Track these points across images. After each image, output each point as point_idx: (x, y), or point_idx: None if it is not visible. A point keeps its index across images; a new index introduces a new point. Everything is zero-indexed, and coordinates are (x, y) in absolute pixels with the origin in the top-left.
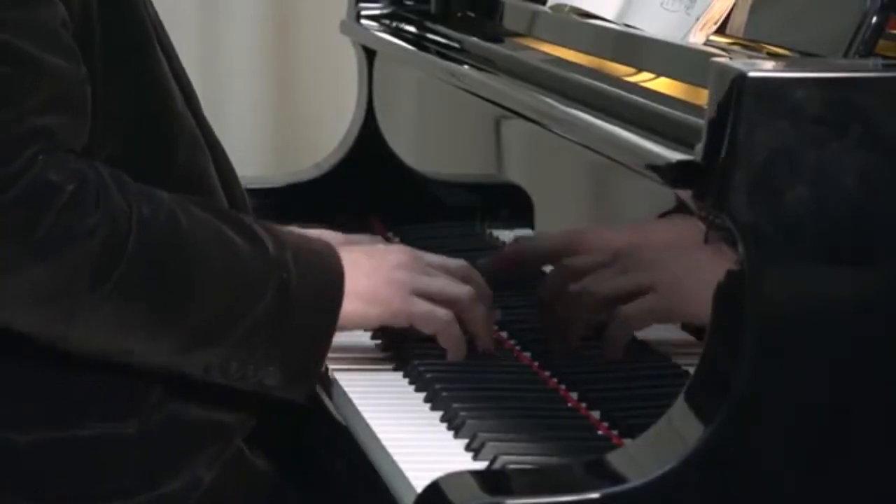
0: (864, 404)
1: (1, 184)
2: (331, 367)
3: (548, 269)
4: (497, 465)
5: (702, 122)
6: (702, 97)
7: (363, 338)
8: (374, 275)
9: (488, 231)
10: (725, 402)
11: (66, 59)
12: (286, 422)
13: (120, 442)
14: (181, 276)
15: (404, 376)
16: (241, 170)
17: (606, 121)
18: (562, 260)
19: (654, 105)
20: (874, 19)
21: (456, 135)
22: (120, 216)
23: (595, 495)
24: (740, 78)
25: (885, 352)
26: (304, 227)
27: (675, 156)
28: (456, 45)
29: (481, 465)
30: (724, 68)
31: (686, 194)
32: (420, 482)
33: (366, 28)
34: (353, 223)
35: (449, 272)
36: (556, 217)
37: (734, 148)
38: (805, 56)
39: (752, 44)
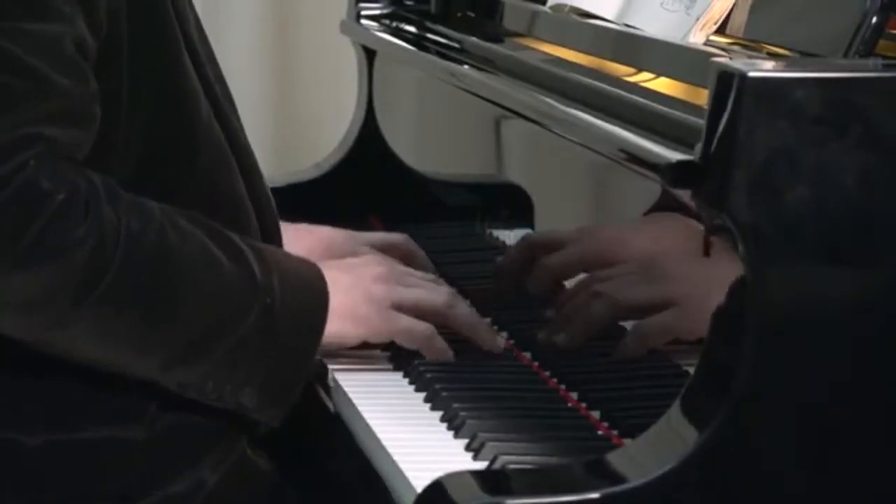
0: (864, 404)
1: None
2: (331, 367)
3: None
4: (497, 465)
5: (702, 122)
6: (702, 97)
7: None
8: (353, 291)
9: (488, 231)
10: (725, 402)
11: (72, 77)
12: (287, 422)
13: (125, 445)
14: (165, 293)
15: (404, 376)
16: None
17: (606, 121)
18: (581, 263)
19: (654, 105)
20: (874, 19)
21: (456, 135)
22: (108, 228)
23: (595, 495)
24: (740, 78)
25: (885, 352)
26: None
27: (675, 156)
28: (456, 45)
29: (481, 465)
30: (724, 68)
31: (686, 194)
32: (420, 482)
33: (366, 28)
34: (353, 223)
35: (422, 282)
36: (556, 217)
37: (734, 148)
38: (805, 56)
39: (752, 44)
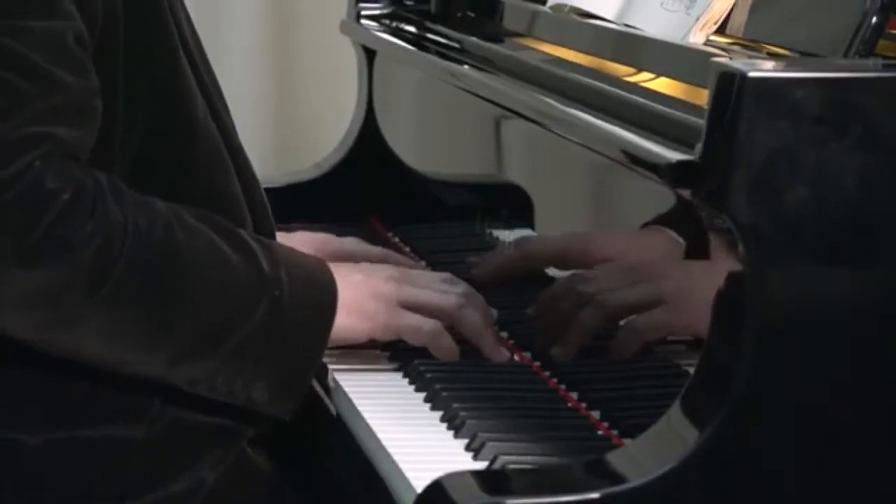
0: (864, 404)
1: None
2: (331, 367)
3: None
4: (497, 465)
5: (702, 122)
6: (702, 97)
7: None
8: (362, 287)
9: (488, 231)
10: (725, 402)
11: (75, 72)
12: (287, 422)
13: (126, 444)
14: (173, 290)
15: (404, 376)
16: None
17: (606, 121)
18: (571, 264)
19: (654, 105)
20: (874, 19)
21: (456, 135)
22: (115, 226)
23: (595, 495)
24: (740, 78)
25: (885, 352)
26: (305, 228)
27: (675, 156)
28: (456, 45)
29: (481, 465)
30: (724, 68)
31: (686, 194)
32: (420, 482)
33: (366, 28)
34: (353, 223)
35: (435, 284)
36: (556, 217)
37: (734, 148)
38: (805, 56)
39: (752, 44)
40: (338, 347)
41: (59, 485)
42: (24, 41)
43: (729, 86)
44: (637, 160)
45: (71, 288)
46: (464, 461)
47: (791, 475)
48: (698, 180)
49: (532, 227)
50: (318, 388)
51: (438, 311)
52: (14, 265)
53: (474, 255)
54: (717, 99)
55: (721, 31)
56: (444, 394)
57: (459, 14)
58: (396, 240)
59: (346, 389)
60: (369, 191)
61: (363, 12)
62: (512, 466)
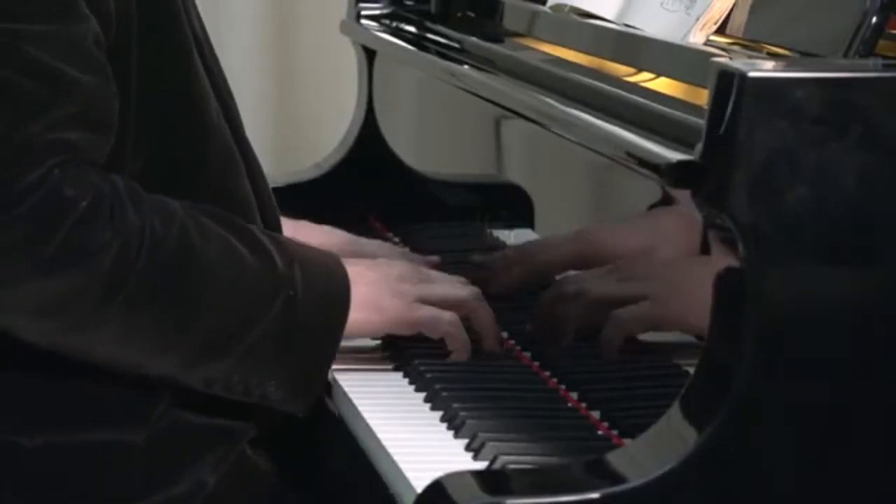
0: (864, 404)
1: (16, 196)
2: (331, 367)
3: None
4: (497, 465)
5: (702, 122)
6: (702, 97)
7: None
8: (378, 285)
9: (488, 231)
10: (725, 402)
11: (95, 75)
12: (287, 422)
13: (127, 448)
14: (190, 294)
15: (404, 376)
16: None
17: (606, 121)
18: (565, 264)
19: (654, 105)
20: (874, 19)
21: (456, 135)
22: (132, 232)
23: (595, 495)
24: (740, 78)
25: (885, 352)
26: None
27: (675, 156)
28: (456, 45)
29: (481, 465)
30: (724, 68)
31: (686, 194)
32: (420, 482)
33: (366, 28)
34: (353, 223)
35: (450, 280)
36: (556, 217)
37: (734, 148)
38: (805, 56)
39: (752, 44)
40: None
41: (58, 488)
42: (42, 46)
43: (729, 86)
44: (637, 160)
45: (88, 294)
46: (464, 461)
47: (791, 475)
48: (698, 180)
49: (532, 227)
50: None
51: (456, 302)
52: (33, 273)
53: (474, 255)
54: (717, 99)
55: (721, 31)
56: (444, 394)
57: (459, 14)
58: (396, 240)
59: (346, 389)
60: (369, 191)
61: (363, 12)
62: (512, 466)
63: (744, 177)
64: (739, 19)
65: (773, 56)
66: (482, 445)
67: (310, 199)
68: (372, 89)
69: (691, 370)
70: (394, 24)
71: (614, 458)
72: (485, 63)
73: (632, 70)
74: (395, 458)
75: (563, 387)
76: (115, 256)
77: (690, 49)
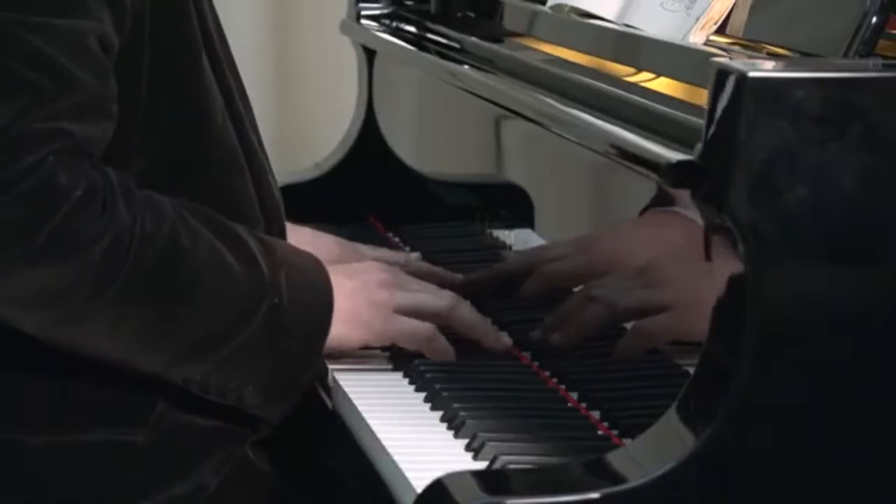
0: (864, 404)
1: (9, 181)
2: (331, 367)
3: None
4: (497, 465)
5: (702, 122)
6: (702, 97)
7: None
8: (356, 297)
9: (488, 231)
10: (725, 402)
11: (94, 74)
12: (287, 423)
13: (128, 448)
14: (175, 294)
15: (404, 376)
16: None
17: (606, 121)
18: (584, 268)
19: (654, 105)
20: (874, 19)
21: (456, 135)
22: (123, 227)
23: (595, 495)
24: (740, 78)
25: (885, 352)
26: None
27: (675, 156)
28: (456, 45)
29: (481, 465)
30: (724, 68)
31: (686, 194)
32: (420, 482)
33: (366, 28)
34: (353, 223)
35: (426, 286)
36: (555, 217)
37: (734, 148)
38: (805, 56)
39: (752, 44)
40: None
41: (60, 487)
42: (47, 38)
43: (729, 86)
44: (637, 160)
45: (77, 286)
46: (464, 461)
47: (791, 475)
48: (698, 180)
49: (532, 227)
50: (318, 388)
51: (432, 311)
52: (23, 262)
53: (474, 255)
54: (717, 99)
55: (721, 31)
56: (444, 394)
57: (459, 14)
58: (396, 240)
59: (346, 389)
60: (369, 191)
61: (363, 12)
62: (512, 466)
63: (744, 177)
64: (739, 19)
65: (773, 56)
66: (482, 445)
67: (310, 199)
68: (372, 89)
69: (691, 370)
70: (394, 24)
71: (614, 458)
72: (485, 63)
73: (632, 70)
74: (395, 458)
75: (563, 387)
76: (105, 250)
77: (690, 49)
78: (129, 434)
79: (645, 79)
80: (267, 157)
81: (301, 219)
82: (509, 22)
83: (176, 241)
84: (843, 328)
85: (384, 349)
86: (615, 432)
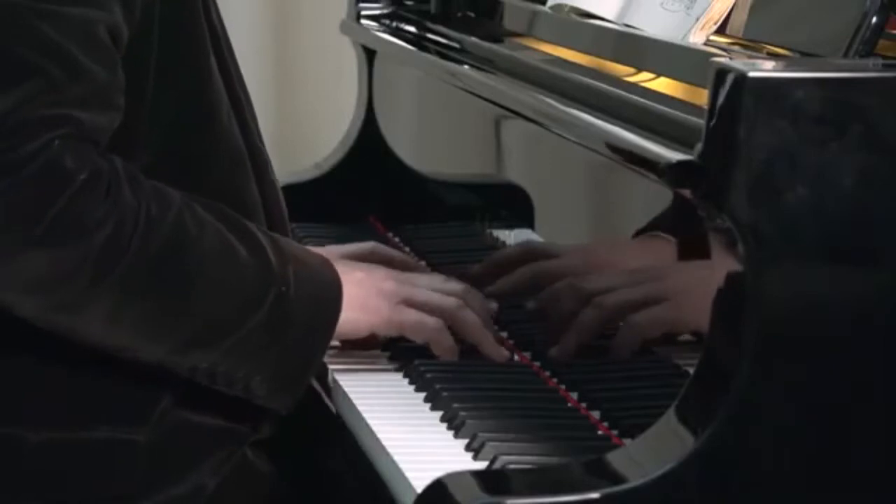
0: (864, 404)
1: (15, 164)
2: (331, 367)
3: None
4: (497, 465)
5: (702, 122)
6: (702, 97)
7: None
8: (365, 284)
9: (488, 231)
10: (725, 402)
11: (103, 64)
12: (287, 423)
13: (129, 447)
14: (181, 282)
15: (404, 376)
16: None
17: (606, 121)
18: (573, 269)
19: (654, 105)
20: (874, 19)
21: (456, 135)
22: (128, 212)
23: (595, 495)
24: (740, 78)
25: (885, 352)
26: (305, 228)
27: (675, 156)
28: (456, 45)
29: (481, 465)
30: (724, 68)
31: (686, 194)
32: (420, 482)
33: (366, 28)
34: (353, 223)
35: (434, 285)
36: (555, 217)
37: (734, 148)
38: (805, 56)
39: (752, 44)
40: (337, 347)
41: (60, 484)
42: (57, 26)
43: (729, 86)
44: (637, 160)
45: (81, 270)
46: (464, 461)
47: (791, 475)
48: (698, 180)
49: (532, 227)
50: (318, 387)
51: (438, 308)
52: (25, 245)
53: (474, 255)
54: (717, 99)
55: (721, 31)
56: (444, 394)
57: (459, 14)
58: (396, 240)
59: (346, 389)
60: (369, 191)
61: (363, 12)
62: (512, 466)
63: (744, 177)
64: (739, 19)
65: (773, 56)
66: (482, 445)
67: (310, 199)
68: (372, 89)
69: (691, 370)
70: (394, 24)
71: (614, 458)
72: (485, 63)
73: (632, 70)
74: (395, 458)
75: (563, 387)
76: (109, 235)
77: (690, 49)
78: (130, 433)
79: (645, 79)
80: (269, 159)
81: (301, 219)
82: (509, 22)
83: (182, 228)
84: (843, 328)
85: (384, 349)
86: (615, 432)
